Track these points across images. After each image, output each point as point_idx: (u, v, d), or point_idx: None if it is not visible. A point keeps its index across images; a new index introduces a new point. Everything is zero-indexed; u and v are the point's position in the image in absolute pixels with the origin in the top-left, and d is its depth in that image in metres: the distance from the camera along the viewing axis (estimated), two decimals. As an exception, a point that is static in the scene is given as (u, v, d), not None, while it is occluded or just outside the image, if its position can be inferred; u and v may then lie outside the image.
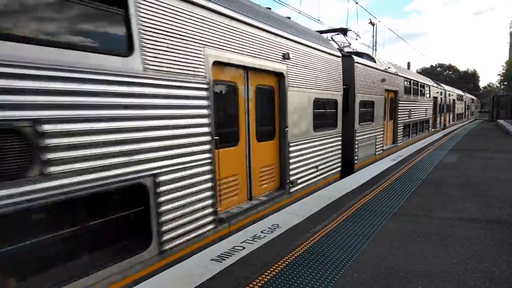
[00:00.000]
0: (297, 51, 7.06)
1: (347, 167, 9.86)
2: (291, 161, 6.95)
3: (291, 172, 6.97)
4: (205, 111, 4.71)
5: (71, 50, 3.16)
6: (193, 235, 4.54)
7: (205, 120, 4.72)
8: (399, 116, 14.59)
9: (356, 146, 10.37)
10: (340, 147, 9.26)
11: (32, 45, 2.90)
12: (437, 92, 23.30)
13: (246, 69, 5.79)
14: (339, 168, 9.28)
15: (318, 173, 8.09)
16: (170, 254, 4.18)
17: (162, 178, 4.09)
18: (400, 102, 14.56)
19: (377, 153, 12.05)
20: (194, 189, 4.54)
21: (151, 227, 3.96)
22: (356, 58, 10.33)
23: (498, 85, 62.61)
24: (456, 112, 33.02)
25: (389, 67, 13.61)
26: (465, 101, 40.17)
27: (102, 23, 3.58)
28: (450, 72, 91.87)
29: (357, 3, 19.86)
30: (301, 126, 7.29)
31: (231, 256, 4.07)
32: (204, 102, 4.69)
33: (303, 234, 4.75)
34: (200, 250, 4.33)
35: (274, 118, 6.70)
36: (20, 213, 2.85)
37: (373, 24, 28.43)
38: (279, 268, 3.77)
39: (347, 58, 9.97)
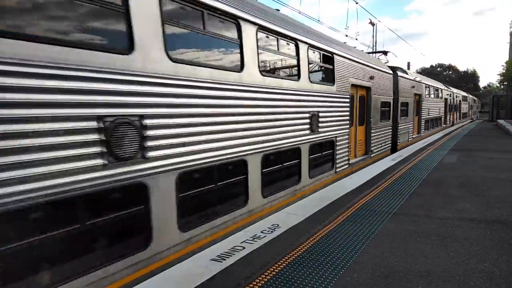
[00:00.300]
0: (375, 73, 11.63)
1: (393, 147, 14.36)
2: (371, 139, 11.69)
3: (371, 145, 11.74)
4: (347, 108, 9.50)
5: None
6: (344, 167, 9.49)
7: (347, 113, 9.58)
8: (422, 113, 19.28)
9: (399, 133, 15.01)
10: (391, 133, 13.93)
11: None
12: (447, 94, 27.80)
13: (356, 86, 10.37)
14: (390, 147, 13.85)
15: (381, 148, 12.73)
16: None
17: (339, 138, 9.10)
18: (422, 103, 19.21)
19: (409, 139, 16.60)
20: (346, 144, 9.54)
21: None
22: (399, 73, 14.88)
23: (498, 85, 62.64)
24: (461, 111, 37.91)
25: (416, 77, 18.46)
26: (468, 102, 45.24)
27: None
28: (450, 72, 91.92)
29: (357, 3, 19.88)
30: (376, 118, 11.89)
31: (231, 256, 4.07)
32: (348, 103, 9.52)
33: (303, 234, 4.76)
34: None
35: (364, 112, 11.24)
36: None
37: (373, 24, 28.45)
38: (279, 268, 3.77)
39: (394, 73, 14.34)
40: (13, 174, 2.91)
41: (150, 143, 4.04)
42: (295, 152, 7.21)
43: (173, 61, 4.33)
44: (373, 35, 30.33)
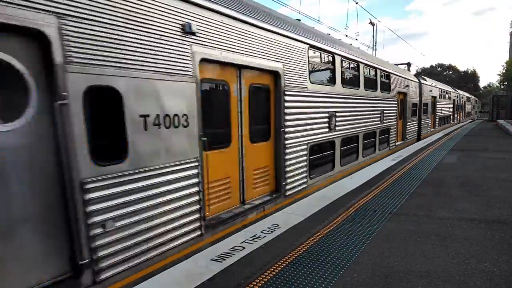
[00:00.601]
0: (408, 82, 16.25)
1: (418, 136, 18.80)
2: (406, 129, 16.17)
3: (406, 133, 16.28)
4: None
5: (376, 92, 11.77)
6: None
7: (395, 111, 14.83)
8: (436, 112, 24.03)
9: (422, 126, 19.47)
10: (417, 125, 18.55)
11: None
12: (455, 96, 33.19)
13: (399, 93, 14.71)
14: (416, 136, 18.49)
15: (411, 136, 17.45)
16: None
17: (392, 127, 14.03)
18: (437, 103, 23.95)
19: (428, 131, 21.11)
20: None
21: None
22: (421, 80, 19.49)
23: (498, 85, 62.63)
24: (466, 111, 42.92)
25: (432, 83, 22.89)
26: (471, 102, 50.93)
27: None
28: (450, 72, 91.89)
29: (357, 3, 19.87)
30: (408, 115, 16.31)
31: (231, 256, 4.07)
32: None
33: (303, 234, 4.76)
34: None
35: (402, 111, 15.51)
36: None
37: (373, 24, 28.45)
38: (279, 268, 3.77)
39: (418, 81, 18.88)
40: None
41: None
42: (372, 133, 11.92)
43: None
44: (373, 35, 30.34)
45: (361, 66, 10.42)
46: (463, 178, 8.14)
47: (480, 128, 27.08)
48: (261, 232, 4.83)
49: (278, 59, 6.50)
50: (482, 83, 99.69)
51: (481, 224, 5.10)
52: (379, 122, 12.14)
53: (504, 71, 42.65)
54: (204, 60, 4.92)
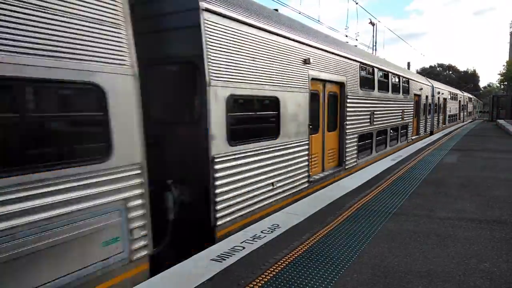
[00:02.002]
0: (422, 86, 18.96)
1: (430, 132, 21.82)
2: (420, 125, 19.32)
3: (420, 129, 19.22)
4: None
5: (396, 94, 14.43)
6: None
7: (412, 110, 17.68)
8: (446, 111, 28.49)
9: (434, 123, 23.05)
10: (430, 123, 21.79)
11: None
12: (460, 97, 37.61)
13: (415, 95, 17.59)
14: (429, 132, 21.56)
15: (424, 131, 20.28)
16: None
17: (410, 123, 16.89)
18: (447, 104, 28.27)
19: (439, 127, 24.97)
20: None
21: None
22: (434, 84, 23.22)
23: (498, 85, 62.60)
24: (468, 110, 47.44)
25: (442, 86, 27.75)
26: (473, 102, 54.92)
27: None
28: (450, 72, 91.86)
29: (357, 3, 19.87)
30: (421, 113, 19.13)
31: (231, 256, 4.07)
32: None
33: (303, 234, 4.75)
34: None
35: (417, 110, 18.07)
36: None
37: (373, 24, 28.46)
38: (279, 268, 3.77)
39: (431, 84, 22.38)
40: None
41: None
42: (396, 128, 14.63)
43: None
44: (373, 35, 30.32)
45: (390, 75, 13.29)
46: (463, 178, 8.14)
47: (480, 128, 27.08)
48: (261, 232, 4.82)
49: (344, 74, 9.34)
50: (482, 83, 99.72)
51: (481, 224, 5.10)
52: (401, 119, 15.05)
53: (504, 71, 42.63)
54: (312, 79, 7.75)
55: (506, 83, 45.11)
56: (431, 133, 21.66)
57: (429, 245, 4.34)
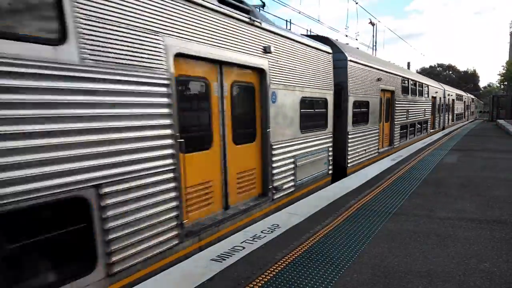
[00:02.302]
0: (437, 90, 23.89)
1: (443, 127, 26.19)
2: (435, 121, 23.61)
3: (435, 124, 23.63)
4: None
5: None
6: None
7: (430, 109, 23.97)
8: (454, 110, 32.88)
9: (445, 120, 27.62)
10: (442, 119, 26.35)
11: None
12: (465, 98, 42.80)
13: (432, 97, 23.17)
14: (442, 127, 26.09)
15: (439, 126, 24.96)
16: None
17: (429, 119, 21.87)
18: (455, 104, 32.80)
19: (449, 124, 29.37)
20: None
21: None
22: (445, 87, 28.00)
23: (498, 85, 62.61)
24: (471, 110, 52.33)
25: (451, 89, 32.83)
26: (475, 102, 59.87)
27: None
28: (450, 72, 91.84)
29: (356, 3, 19.87)
30: (436, 112, 24.08)
31: (231, 256, 4.07)
32: None
33: (303, 234, 4.76)
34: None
35: (431, 110, 22.16)
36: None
37: (373, 24, 28.46)
38: (279, 268, 3.77)
39: (443, 88, 26.96)
40: None
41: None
42: (419, 123, 18.54)
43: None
44: (373, 35, 30.32)
45: (417, 83, 17.82)
46: (463, 178, 8.14)
47: (480, 128, 27.09)
48: (261, 232, 4.83)
49: (393, 85, 13.71)
50: (482, 83, 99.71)
51: (481, 224, 5.10)
52: (423, 116, 19.28)
53: (504, 71, 42.62)
54: (381, 90, 12.36)
55: (506, 83, 45.11)
56: (443, 128, 26.58)
57: (429, 245, 4.34)
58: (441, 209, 5.83)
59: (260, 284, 3.45)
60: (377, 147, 12.06)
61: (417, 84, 17.94)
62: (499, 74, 49.75)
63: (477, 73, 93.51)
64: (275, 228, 4.95)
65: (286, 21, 17.09)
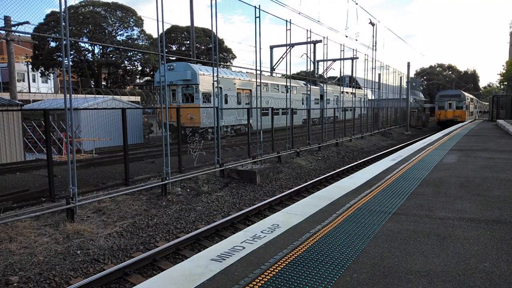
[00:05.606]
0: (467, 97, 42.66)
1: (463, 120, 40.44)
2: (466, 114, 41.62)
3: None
4: None
5: None
6: None
7: None
8: (469, 109, 40.81)
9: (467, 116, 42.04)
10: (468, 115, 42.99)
11: None
12: (470, 99, 46.33)
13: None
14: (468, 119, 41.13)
15: (468, 117, 41.38)
16: None
17: None
18: (469, 104, 38.96)
19: (468, 118, 39.99)
20: None
21: None
22: (466, 94, 40.61)
23: (498, 85, 62.66)
24: (477, 109, 57.49)
25: (469, 95, 44.00)
26: (479, 103, 64.79)
27: None
28: (450, 72, 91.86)
29: (356, 3, 19.88)
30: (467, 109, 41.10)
31: (231, 256, 4.08)
32: None
33: (303, 234, 4.76)
34: None
35: (467, 109, 40.84)
36: None
37: (373, 24, 28.47)
38: (279, 268, 3.77)
39: (463, 94, 40.40)
40: None
41: None
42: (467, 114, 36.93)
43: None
44: (373, 35, 30.36)
45: (470, 97, 33.16)
46: (463, 178, 8.14)
47: (480, 128, 27.09)
48: (261, 232, 4.83)
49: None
50: (482, 83, 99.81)
51: (481, 224, 5.10)
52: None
53: (504, 71, 42.67)
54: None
55: (506, 83, 45.18)
56: (463, 120, 36.66)
57: (429, 245, 4.34)
58: (441, 209, 5.83)
59: (260, 284, 3.45)
60: None
61: (470, 98, 27.14)
62: (499, 74, 49.83)
63: (477, 73, 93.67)
64: (275, 228, 4.96)
65: (286, 21, 16.28)
